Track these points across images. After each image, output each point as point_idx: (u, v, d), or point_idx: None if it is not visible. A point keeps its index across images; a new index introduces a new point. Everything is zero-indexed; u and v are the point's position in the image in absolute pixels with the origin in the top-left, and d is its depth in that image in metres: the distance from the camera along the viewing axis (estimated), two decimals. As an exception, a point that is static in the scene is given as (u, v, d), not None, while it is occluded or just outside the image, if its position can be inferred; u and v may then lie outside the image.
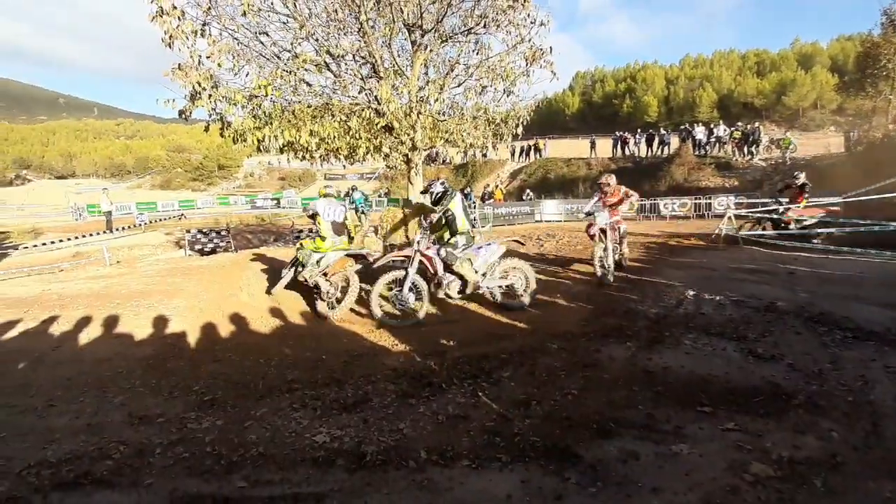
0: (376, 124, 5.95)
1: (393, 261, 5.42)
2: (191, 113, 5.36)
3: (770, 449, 2.19)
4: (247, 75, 5.54)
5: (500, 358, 3.73)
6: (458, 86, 6.72)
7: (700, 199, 16.53)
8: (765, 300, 4.68)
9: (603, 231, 6.32)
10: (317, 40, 5.81)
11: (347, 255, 5.65)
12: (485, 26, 6.19)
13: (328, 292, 5.51)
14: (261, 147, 5.76)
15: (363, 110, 5.86)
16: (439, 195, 5.26)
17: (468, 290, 5.24)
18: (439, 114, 6.69)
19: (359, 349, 4.36)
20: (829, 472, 2.00)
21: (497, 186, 22.05)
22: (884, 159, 13.91)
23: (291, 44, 5.79)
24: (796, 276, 5.90)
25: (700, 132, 23.39)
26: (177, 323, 4.85)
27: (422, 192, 5.66)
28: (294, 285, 5.87)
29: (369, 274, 5.78)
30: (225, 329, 4.92)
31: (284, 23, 5.77)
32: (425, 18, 5.96)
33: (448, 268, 5.19)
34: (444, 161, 32.13)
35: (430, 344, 4.36)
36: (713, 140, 22.88)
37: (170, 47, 4.95)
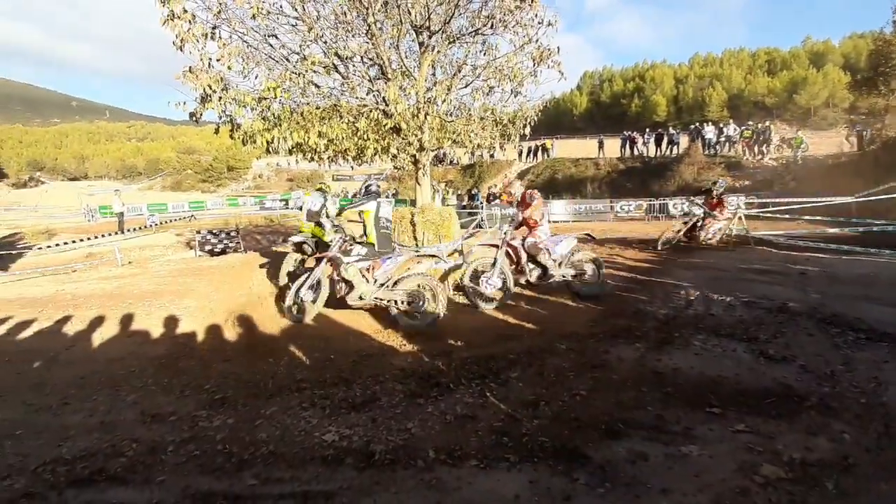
0: (384, 125, 5.96)
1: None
2: (201, 115, 5.41)
3: (781, 451, 2.18)
4: (256, 78, 5.58)
5: (508, 358, 3.73)
6: (466, 87, 6.72)
7: (710, 198, 16.38)
8: (776, 301, 4.64)
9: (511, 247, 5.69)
10: (325, 42, 5.84)
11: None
12: (492, 27, 6.18)
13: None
14: (270, 149, 5.79)
15: (371, 111, 5.87)
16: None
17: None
18: (447, 115, 6.68)
19: (367, 349, 4.38)
20: (842, 475, 1.98)
21: (505, 188, 22.02)
22: (898, 158, 13.72)
23: (300, 46, 5.83)
24: (808, 276, 5.83)
25: (710, 131, 23.18)
26: (188, 323, 4.91)
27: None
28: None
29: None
30: (235, 329, 4.97)
31: (293, 25, 5.81)
32: (433, 20, 5.97)
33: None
34: (451, 162, 32.12)
35: (437, 344, 4.37)
36: (723, 139, 22.66)
37: (181, 50, 5.00)
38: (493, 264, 5.56)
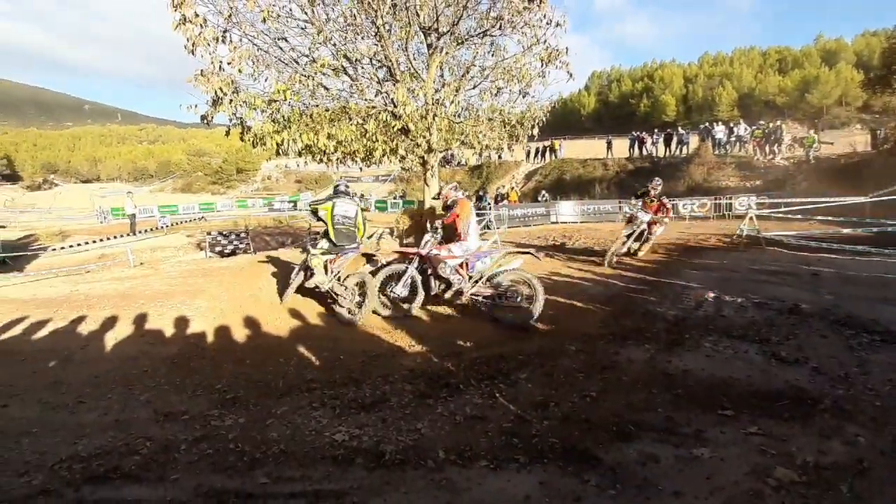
0: (393, 127, 6.00)
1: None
2: (212, 118, 5.49)
3: (795, 454, 2.15)
4: (266, 80, 5.65)
5: (517, 359, 3.73)
6: (474, 88, 6.74)
7: (720, 199, 16.23)
8: (788, 302, 4.58)
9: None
10: (334, 45, 5.89)
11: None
12: (500, 28, 6.19)
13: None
14: (279, 150, 5.86)
15: (380, 113, 5.91)
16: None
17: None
18: (455, 116, 6.70)
19: (376, 349, 4.40)
20: (856, 478, 1.96)
21: (512, 188, 22.00)
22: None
23: (309, 49, 5.89)
24: (820, 277, 5.76)
25: (720, 131, 22.99)
26: (199, 323, 4.96)
27: (433, 198, 5.73)
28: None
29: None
30: (245, 329, 5.01)
31: (303, 28, 5.87)
32: (441, 21, 6.00)
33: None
34: (459, 163, 32.14)
35: (447, 345, 4.37)
36: (733, 139, 22.46)
37: (192, 54, 5.08)
38: (403, 273, 5.39)
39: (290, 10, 5.74)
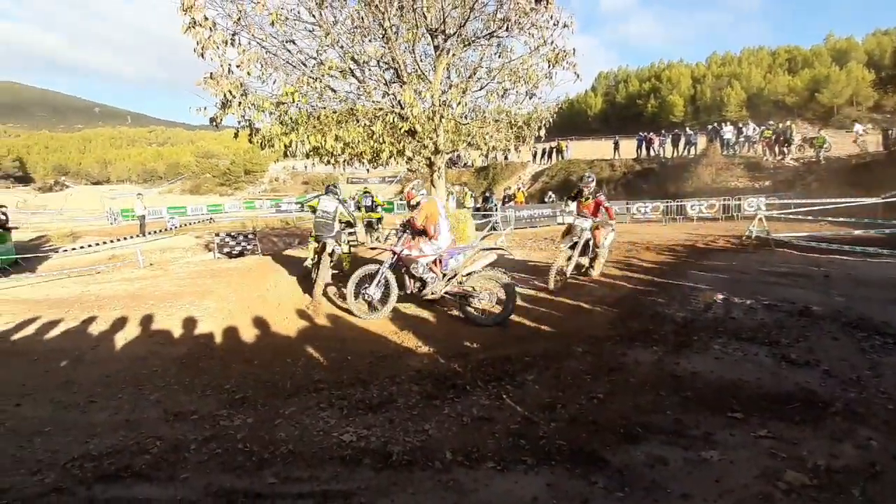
0: (400, 128, 6.02)
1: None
2: (221, 120, 5.54)
3: (805, 457, 2.13)
4: (274, 83, 5.69)
5: (524, 361, 3.73)
6: (481, 89, 6.74)
7: (729, 200, 16.11)
8: (798, 304, 4.54)
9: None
10: (341, 47, 5.93)
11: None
12: (507, 29, 6.19)
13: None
14: (287, 152, 5.90)
15: (387, 115, 5.93)
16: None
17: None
18: (462, 117, 6.71)
19: (383, 350, 4.41)
20: (868, 482, 1.93)
21: (519, 189, 21.96)
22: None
23: (317, 51, 5.92)
24: (831, 279, 5.69)
25: (728, 131, 22.80)
26: (207, 323, 5.00)
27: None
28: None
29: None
30: (253, 330, 5.05)
31: (310, 31, 5.90)
32: (448, 23, 6.01)
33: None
34: (465, 164, 32.13)
35: (453, 346, 4.38)
36: (742, 139, 22.27)
37: (202, 57, 5.13)
38: (376, 273, 5.40)
39: (298, 12, 5.78)
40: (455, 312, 5.54)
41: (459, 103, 6.51)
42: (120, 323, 5.00)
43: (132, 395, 3.35)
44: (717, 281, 5.94)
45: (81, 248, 12.92)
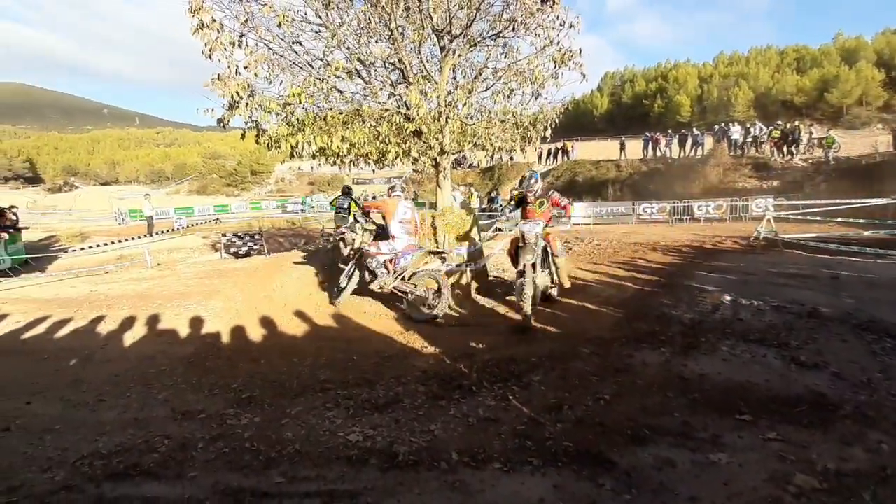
0: (405, 129, 6.02)
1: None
2: (229, 121, 5.57)
3: (815, 460, 2.11)
4: (281, 84, 5.71)
5: (529, 361, 3.72)
6: (487, 90, 6.73)
7: (736, 200, 16.00)
8: (807, 306, 4.50)
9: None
10: (348, 48, 5.94)
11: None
12: (513, 30, 6.18)
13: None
14: (294, 153, 5.92)
15: (393, 116, 5.94)
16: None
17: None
18: (468, 118, 6.71)
19: (389, 350, 4.42)
20: (879, 486, 1.91)
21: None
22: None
23: (323, 52, 5.94)
24: (841, 280, 5.64)
25: (736, 132, 22.62)
26: (214, 323, 5.03)
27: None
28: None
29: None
30: (260, 329, 5.07)
31: (317, 32, 5.92)
32: (454, 24, 6.00)
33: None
34: (470, 165, 32.13)
35: (459, 346, 4.38)
36: (750, 140, 22.09)
37: (209, 59, 5.15)
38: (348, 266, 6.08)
39: (305, 14, 5.80)
40: (462, 312, 5.55)
41: (465, 104, 6.51)
42: (128, 322, 5.05)
43: (141, 394, 3.37)
44: (725, 282, 5.91)
45: (90, 248, 13.05)
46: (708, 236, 11.21)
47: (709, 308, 4.80)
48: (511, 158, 7.39)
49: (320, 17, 5.78)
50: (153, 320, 5.09)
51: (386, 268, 5.56)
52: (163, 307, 5.49)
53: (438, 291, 5.49)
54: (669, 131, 26.26)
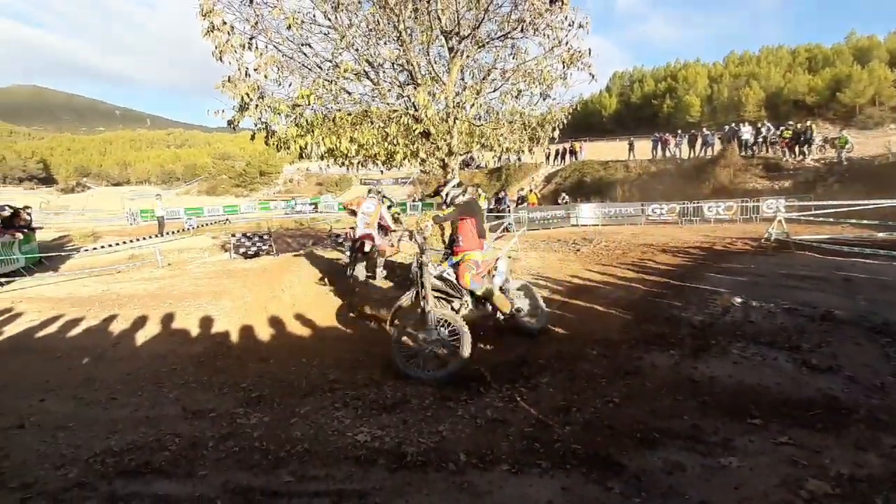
0: (414, 130, 6.03)
1: None
2: (239, 122, 5.61)
3: (828, 465, 2.09)
4: (290, 85, 5.74)
5: (537, 363, 3.71)
6: (495, 91, 6.72)
7: (747, 201, 15.81)
8: (820, 308, 4.44)
9: None
10: (356, 50, 5.96)
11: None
12: (522, 30, 6.16)
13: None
14: (303, 154, 5.95)
15: (401, 117, 5.95)
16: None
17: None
18: (475, 119, 6.70)
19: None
20: (892, 491, 1.88)
21: (531, 190, 21.86)
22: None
23: (332, 54, 5.96)
24: (854, 282, 5.56)
25: (746, 132, 22.37)
26: (224, 323, 5.08)
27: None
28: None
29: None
30: (269, 329, 5.11)
31: (326, 34, 5.95)
32: (462, 25, 6.00)
33: None
34: (478, 165, 32.12)
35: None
36: (761, 140, 21.85)
37: (220, 61, 5.19)
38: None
39: (314, 16, 5.83)
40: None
41: (473, 105, 6.51)
42: (140, 322, 5.11)
43: (152, 393, 3.41)
44: (736, 284, 5.85)
45: (102, 247, 13.21)
46: (718, 238, 11.10)
47: (719, 310, 4.75)
48: (519, 159, 7.37)
49: (329, 20, 5.80)
50: (164, 320, 5.15)
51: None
52: (173, 307, 5.55)
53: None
54: (679, 131, 26.04)
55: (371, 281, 6.73)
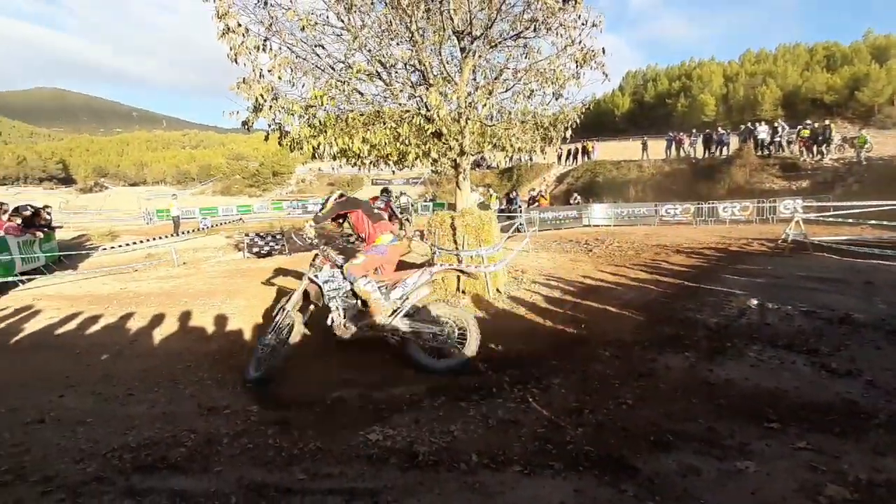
0: (426, 130, 6.04)
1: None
2: (253, 123, 5.67)
3: (846, 470, 2.05)
4: (303, 86, 5.78)
5: (549, 364, 3.69)
6: (507, 90, 6.70)
7: (763, 202, 15.55)
8: (839, 311, 4.35)
9: None
10: (369, 50, 5.99)
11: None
12: (534, 30, 6.13)
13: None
14: (316, 154, 6.00)
15: (413, 117, 5.96)
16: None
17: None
18: (487, 119, 6.69)
19: (408, 351, 4.42)
20: (915, 499, 1.84)
21: (540, 193, 21.76)
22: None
23: (345, 55, 6.00)
24: (874, 285, 5.44)
25: (763, 131, 22.00)
26: (238, 321, 5.14)
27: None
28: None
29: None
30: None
31: (339, 35, 5.99)
32: (474, 25, 6.00)
33: None
34: (489, 166, 32.06)
35: (479, 348, 4.36)
36: (777, 139, 21.48)
37: (235, 62, 5.26)
38: None
39: (327, 17, 5.87)
40: (481, 314, 5.53)
41: (485, 105, 6.50)
42: (156, 319, 5.19)
43: (168, 390, 3.47)
44: (752, 286, 5.76)
45: (119, 246, 13.46)
46: (734, 239, 10.94)
47: (735, 312, 4.68)
48: (530, 159, 7.33)
49: (342, 21, 5.84)
50: (179, 318, 5.23)
51: None
52: (189, 305, 5.63)
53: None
54: (693, 131, 25.71)
55: None
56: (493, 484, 2.12)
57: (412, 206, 18.30)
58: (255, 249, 11.24)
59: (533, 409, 2.88)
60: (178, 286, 6.81)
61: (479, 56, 6.44)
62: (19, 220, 9.28)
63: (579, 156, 29.29)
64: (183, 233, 17.93)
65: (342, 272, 4.07)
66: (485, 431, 2.65)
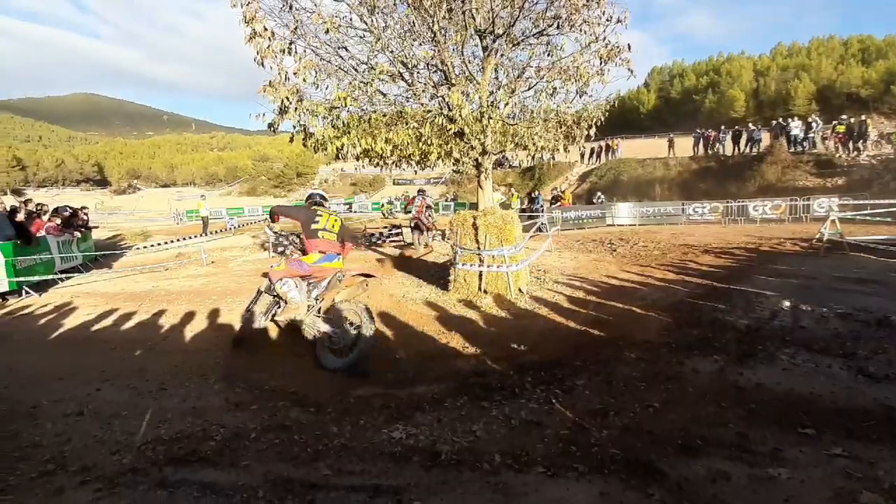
0: (448, 130, 6.05)
1: None
2: (279, 125, 5.79)
3: (882, 478, 1.97)
4: (327, 88, 5.87)
5: (573, 365, 3.65)
6: (529, 89, 6.64)
7: (796, 200, 15.01)
8: (877, 313, 4.18)
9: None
10: (391, 51, 6.04)
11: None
12: (558, 27, 6.07)
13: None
14: (339, 155, 6.08)
15: (435, 117, 5.98)
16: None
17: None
18: (510, 117, 6.66)
19: (431, 350, 4.46)
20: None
21: (563, 191, 21.51)
22: None
23: (368, 56, 6.08)
24: (917, 287, 5.20)
25: (796, 127, 21.20)
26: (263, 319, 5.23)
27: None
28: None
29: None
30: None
31: (362, 37, 6.06)
32: (497, 23, 5.98)
33: None
34: (510, 165, 31.86)
35: (501, 348, 4.35)
36: (811, 135, 20.68)
37: (261, 66, 5.38)
38: None
39: (351, 20, 5.94)
40: (503, 314, 5.51)
41: (507, 104, 6.47)
42: (186, 317, 5.35)
43: (198, 385, 3.56)
44: (784, 287, 5.57)
45: (152, 246, 13.91)
46: (765, 238, 10.60)
47: (766, 314, 4.54)
48: (552, 158, 7.25)
49: (365, 23, 5.91)
50: (209, 315, 5.38)
51: None
52: (217, 303, 5.79)
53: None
54: (723, 127, 25.00)
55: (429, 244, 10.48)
56: (516, 485, 2.11)
57: (433, 205, 18.34)
58: (280, 249, 11.43)
59: (556, 411, 2.86)
60: (207, 284, 7.00)
61: (502, 55, 6.41)
62: (59, 221, 9.69)
63: (603, 154, 28.83)
64: (211, 233, 18.41)
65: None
66: (507, 432, 2.64)
